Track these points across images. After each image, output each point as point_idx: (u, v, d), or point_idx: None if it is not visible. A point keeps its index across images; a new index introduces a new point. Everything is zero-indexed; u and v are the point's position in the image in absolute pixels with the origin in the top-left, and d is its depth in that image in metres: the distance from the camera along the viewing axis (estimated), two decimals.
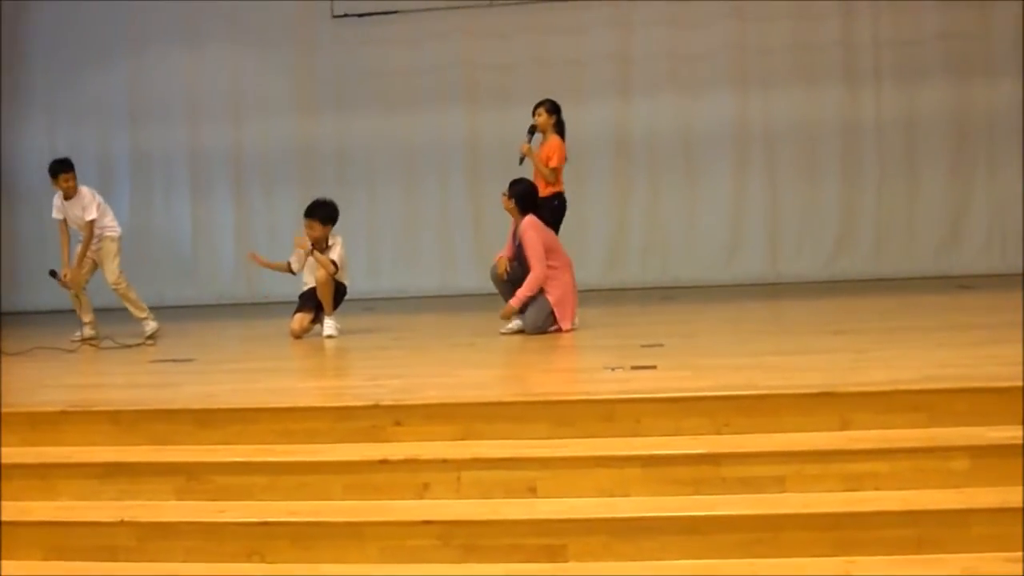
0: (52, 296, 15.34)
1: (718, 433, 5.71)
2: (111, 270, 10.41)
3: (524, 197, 9.64)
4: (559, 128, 10.79)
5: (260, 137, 15.47)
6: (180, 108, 15.64)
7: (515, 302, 9.36)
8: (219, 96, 15.54)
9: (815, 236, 14.65)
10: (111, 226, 10.53)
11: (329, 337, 9.90)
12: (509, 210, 9.68)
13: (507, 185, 9.77)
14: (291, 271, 10.29)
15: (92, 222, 10.41)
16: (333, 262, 9.96)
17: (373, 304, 13.15)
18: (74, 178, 10.46)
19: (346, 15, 15.12)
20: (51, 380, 8.19)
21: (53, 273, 10.27)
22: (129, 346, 9.86)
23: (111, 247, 10.46)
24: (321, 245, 10.05)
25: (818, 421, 5.70)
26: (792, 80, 14.65)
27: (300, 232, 10.10)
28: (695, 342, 8.67)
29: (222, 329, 10.70)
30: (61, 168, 10.44)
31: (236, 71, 15.46)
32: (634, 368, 6.98)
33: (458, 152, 15.00)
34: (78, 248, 10.44)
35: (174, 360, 9.13)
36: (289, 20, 15.30)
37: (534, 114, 10.73)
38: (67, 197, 10.46)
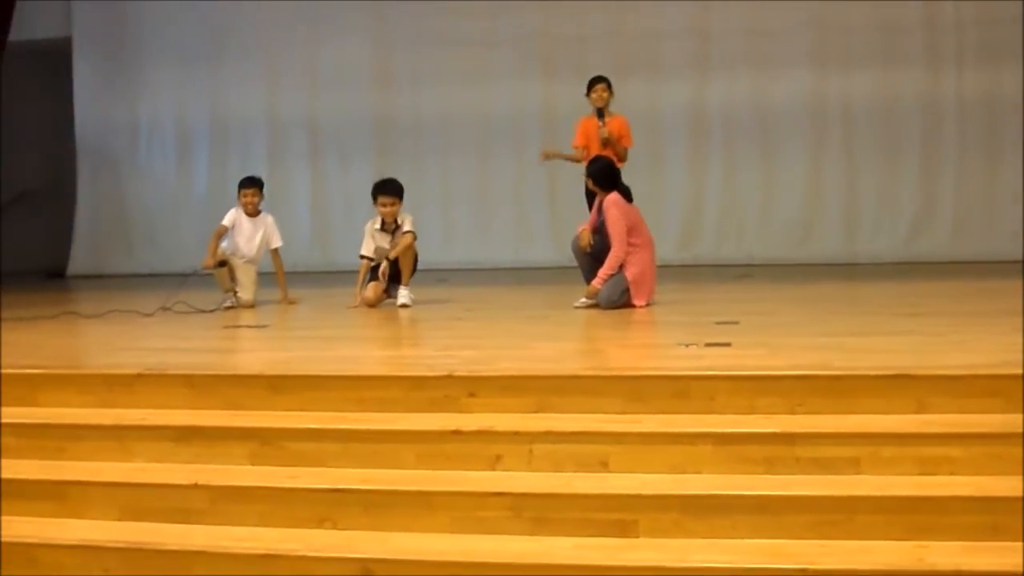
0: (128, 261, 15.62)
1: (792, 413, 5.65)
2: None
3: (601, 174, 9.61)
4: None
5: (336, 107, 15.58)
6: (259, 78, 15.77)
7: (597, 283, 9.32)
8: (296, 66, 15.65)
9: (892, 217, 14.54)
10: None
11: (403, 306, 9.93)
12: (593, 188, 9.68)
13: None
14: (372, 260, 10.28)
15: (278, 249, 10.74)
16: (410, 231, 10.01)
17: (447, 275, 13.19)
18: (257, 195, 10.60)
19: None
20: (127, 343, 8.27)
21: (222, 263, 10.38)
22: (204, 311, 9.93)
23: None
24: (392, 223, 10.10)
25: (894, 404, 5.62)
26: (872, 59, 14.53)
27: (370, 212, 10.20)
28: (770, 320, 8.60)
29: (297, 296, 10.74)
30: (247, 183, 10.63)
31: (313, 41, 15.56)
32: (708, 345, 6.93)
33: (534, 124, 14.99)
34: (279, 277, 10.86)
35: (249, 326, 9.20)
36: None
37: (590, 91, 10.62)
38: (248, 214, 10.58)
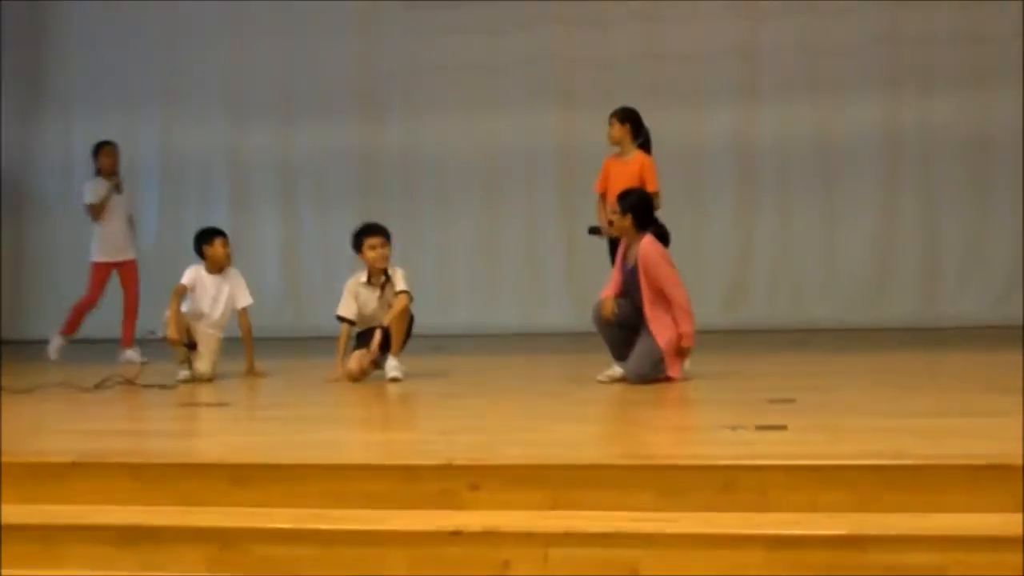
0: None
1: (862, 511, 5.64)
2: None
3: (639, 208, 9.52)
4: (645, 143, 10.72)
5: (313, 140, 15.64)
6: (220, 104, 15.83)
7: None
8: (266, 91, 15.72)
9: (983, 271, 14.51)
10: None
11: (393, 380, 9.92)
12: (623, 229, 9.58)
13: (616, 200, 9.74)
14: (353, 324, 10.30)
15: (246, 309, 10.78)
16: (405, 291, 10.03)
17: (444, 342, 13.19)
18: (229, 245, 10.74)
19: None
20: (60, 424, 8.29)
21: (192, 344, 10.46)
22: (162, 387, 9.93)
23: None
24: (381, 276, 10.11)
25: (987, 500, 5.61)
26: (959, 78, 14.48)
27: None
28: (833, 398, 8.58)
29: (265, 368, 10.76)
30: (216, 233, 10.72)
31: (287, 62, 15.65)
32: (759, 428, 6.94)
33: (549, 162, 15.06)
34: (245, 344, 10.78)
35: (207, 404, 9.21)
36: (351, 4, 15.44)
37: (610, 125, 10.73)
38: (214, 269, 10.65)
